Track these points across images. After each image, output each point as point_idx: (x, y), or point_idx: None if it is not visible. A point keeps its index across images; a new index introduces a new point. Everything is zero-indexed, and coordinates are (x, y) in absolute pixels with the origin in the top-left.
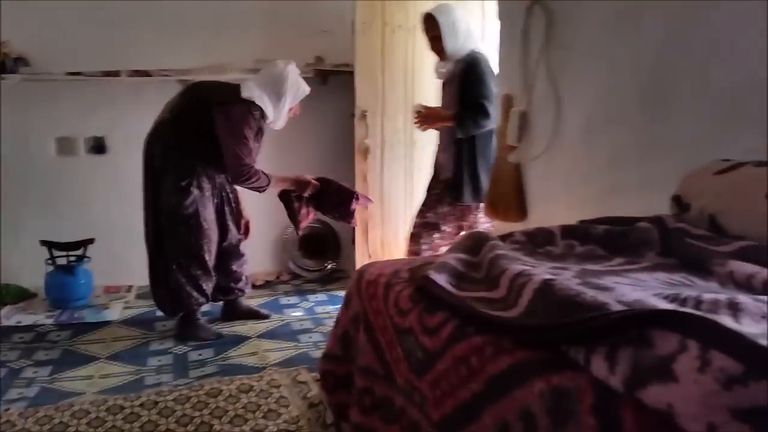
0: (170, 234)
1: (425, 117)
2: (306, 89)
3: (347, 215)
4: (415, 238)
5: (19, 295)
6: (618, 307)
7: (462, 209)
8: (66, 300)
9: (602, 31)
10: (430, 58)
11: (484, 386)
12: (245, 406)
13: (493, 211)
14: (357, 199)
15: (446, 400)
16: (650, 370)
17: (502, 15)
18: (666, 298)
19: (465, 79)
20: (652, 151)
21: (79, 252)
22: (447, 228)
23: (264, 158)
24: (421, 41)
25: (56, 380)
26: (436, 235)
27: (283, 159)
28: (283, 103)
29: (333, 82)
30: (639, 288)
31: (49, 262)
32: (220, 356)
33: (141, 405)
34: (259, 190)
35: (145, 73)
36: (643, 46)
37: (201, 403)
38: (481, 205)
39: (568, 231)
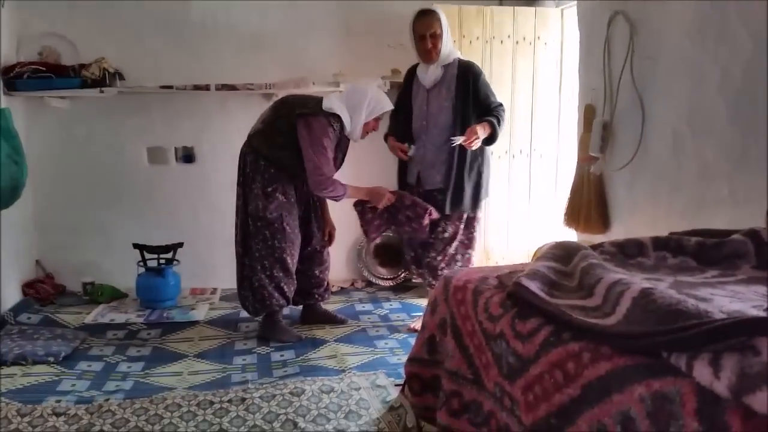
0: (256, 237)
1: (469, 136)
2: (387, 106)
3: (420, 230)
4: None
5: (112, 295)
6: (720, 316)
7: (454, 219)
8: (155, 300)
9: (687, 41)
10: (507, 67)
11: (581, 391)
12: (327, 406)
13: (573, 221)
14: (430, 214)
15: (540, 404)
16: (758, 376)
17: (582, 24)
18: (766, 310)
19: (468, 83)
20: (743, 164)
21: (168, 255)
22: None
23: (344, 167)
24: (501, 50)
25: (149, 375)
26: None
27: (359, 168)
28: (359, 115)
29: None
30: (737, 300)
31: (141, 264)
32: (300, 358)
33: (229, 401)
34: (335, 199)
35: (232, 87)
36: (730, 56)
37: (285, 401)
38: (465, 215)
39: (659, 242)
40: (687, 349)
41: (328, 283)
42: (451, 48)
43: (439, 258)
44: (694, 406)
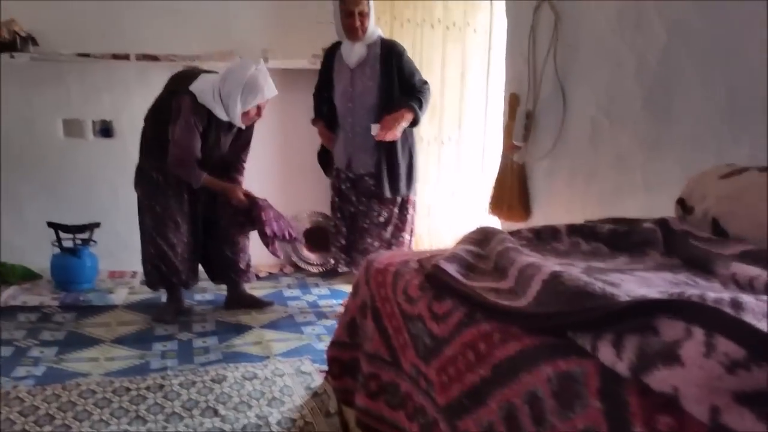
0: (139, 217)
1: (389, 127)
2: (270, 93)
3: (266, 244)
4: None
5: (24, 276)
6: (626, 299)
7: (388, 203)
8: (71, 282)
9: (607, 30)
10: (438, 52)
11: (491, 371)
12: (249, 393)
13: (497, 209)
14: (270, 241)
15: (453, 384)
16: (656, 355)
17: (510, 13)
18: (671, 295)
19: (392, 62)
20: (657, 152)
21: (85, 235)
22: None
23: (265, 143)
24: (431, 35)
25: (62, 360)
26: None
27: (280, 148)
28: (234, 103)
29: None
30: (645, 286)
31: (55, 244)
32: (224, 344)
33: (147, 388)
34: (189, 182)
35: (154, 58)
36: (647, 46)
37: (206, 389)
38: (399, 198)
39: (573, 229)
40: (592, 329)
41: (247, 266)
42: (374, 27)
43: (376, 244)
44: (597, 386)
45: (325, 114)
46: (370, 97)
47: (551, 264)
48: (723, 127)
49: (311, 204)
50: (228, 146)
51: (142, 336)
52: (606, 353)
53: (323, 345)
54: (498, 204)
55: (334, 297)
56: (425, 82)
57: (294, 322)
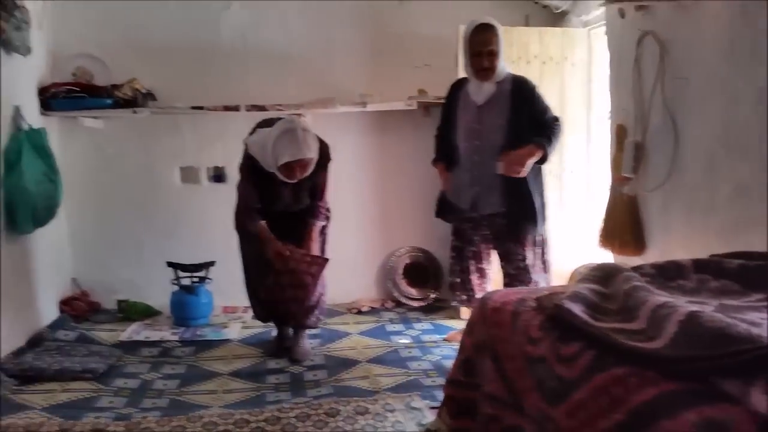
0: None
1: (516, 164)
2: (300, 154)
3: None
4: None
5: (146, 313)
6: None
7: (522, 242)
8: (188, 318)
9: (720, 60)
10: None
11: (627, 416)
12: (363, 427)
13: (609, 243)
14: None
15: (584, 429)
16: None
17: (612, 46)
18: None
19: (524, 99)
20: None
21: (201, 273)
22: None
23: (365, 181)
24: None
25: (184, 393)
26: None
27: (378, 186)
28: (269, 156)
29: (435, 113)
30: None
31: (174, 282)
32: (333, 378)
33: (265, 420)
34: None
35: (261, 108)
36: (764, 75)
37: (321, 422)
38: (536, 237)
39: (700, 265)
40: (741, 374)
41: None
42: (503, 64)
43: (516, 284)
44: None
45: (448, 156)
46: (499, 135)
47: (685, 303)
48: None
49: (410, 240)
50: (294, 193)
51: (256, 369)
52: (761, 401)
53: (430, 381)
54: (609, 237)
55: (437, 332)
56: (557, 119)
57: (399, 357)
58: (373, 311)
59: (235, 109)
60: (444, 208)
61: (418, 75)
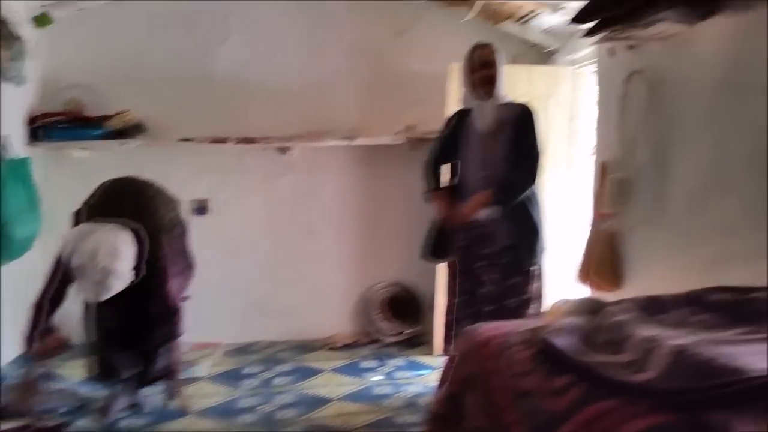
0: None
1: (467, 214)
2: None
3: None
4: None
5: None
6: (757, 372)
7: (531, 273)
8: None
9: (707, 97)
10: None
11: None
12: None
13: (587, 278)
14: None
15: None
16: None
17: (601, 84)
18: None
19: (524, 127)
20: (763, 219)
21: None
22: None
23: (346, 215)
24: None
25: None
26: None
27: (360, 220)
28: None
29: (423, 148)
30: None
31: None
32: (305, 417)
33: None
34: None
35: (251, 140)
36: (750, 116)
37: None
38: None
39: (680, 300)
40: (729, 406)
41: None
42: (504, 88)
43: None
44: None
45: (448, 188)
46: (506, 164)
47: (670, 336)
48: None
49: (389, 274)
50: None
51: (227, 407)
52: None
53: (402, 419)
54: (588, 272)
55: (412, 368)
56: (536, 159)
57: (372, 395)
58: (348, 347)
59: (223, 141)
60: (441, 246)
61: (408, 111)
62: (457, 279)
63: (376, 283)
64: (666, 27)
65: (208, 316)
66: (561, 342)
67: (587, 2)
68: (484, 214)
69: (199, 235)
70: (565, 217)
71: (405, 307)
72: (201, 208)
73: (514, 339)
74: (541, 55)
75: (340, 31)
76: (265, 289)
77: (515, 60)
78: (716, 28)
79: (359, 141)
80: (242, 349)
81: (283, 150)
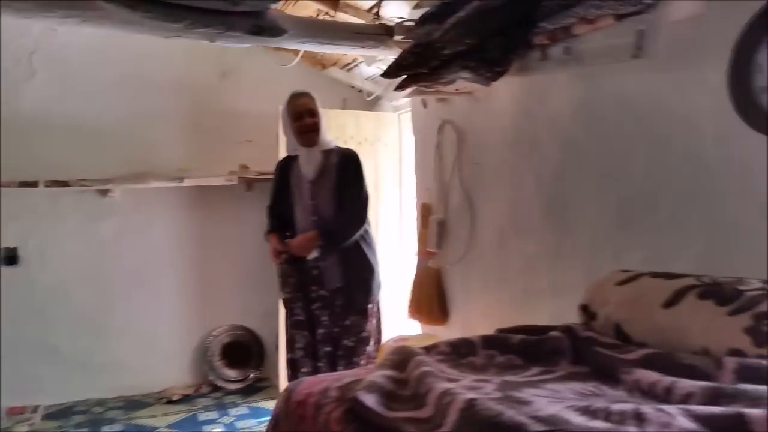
0: None
1: (304, 248)
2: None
3: None
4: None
5: None
6: (536, 428)
7: (371, 311)
8: None
9: (506, 149)
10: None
11: None
12: None
13: (417, 313)
14: None
15: None
16: None
17: (417, 130)
18: (578, 410)
19: (349, 172)
20: (560, 259)
21: None
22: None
23: (188, 258)
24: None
25: None
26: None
27: (197, 263)
28: None
29: (257, 189)
30: (555, 400)
31: None
32: None
33: None
34: None
35: (64, 183)
36: (541, 163)
37: None
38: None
39: (488, 341)
40: None
41: None
42: (327, 133)
43: (363, 362)
44: None
45: (282, 229)
46: (332, 208)
47: (466, 387)
48: (617, 234)
49: (230, 317)
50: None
51: None
52: None
53: None
54: (417, 308)
55: (255, 416)
56: (364, 204)
57: None
58: (185, 399)
59: (33, 185)
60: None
61: (239, 150)
62: (293, 318)
63: (215, 328)
64: (464, 84)
65: (23, 376)
66: (368, 399)
67: (395, 59)
68: (312, 255)
69: (9, 288)
70: (399, 254)
71: (247, 350)
72: (10, 258)
73: (329, 396)
74: (368, 100)
75: (162, 68)
76: (88, 341)
77: (344, 105)
78: (507, 86)
79: (189, 182)
80: (65, 411)
81: (103, 192)
